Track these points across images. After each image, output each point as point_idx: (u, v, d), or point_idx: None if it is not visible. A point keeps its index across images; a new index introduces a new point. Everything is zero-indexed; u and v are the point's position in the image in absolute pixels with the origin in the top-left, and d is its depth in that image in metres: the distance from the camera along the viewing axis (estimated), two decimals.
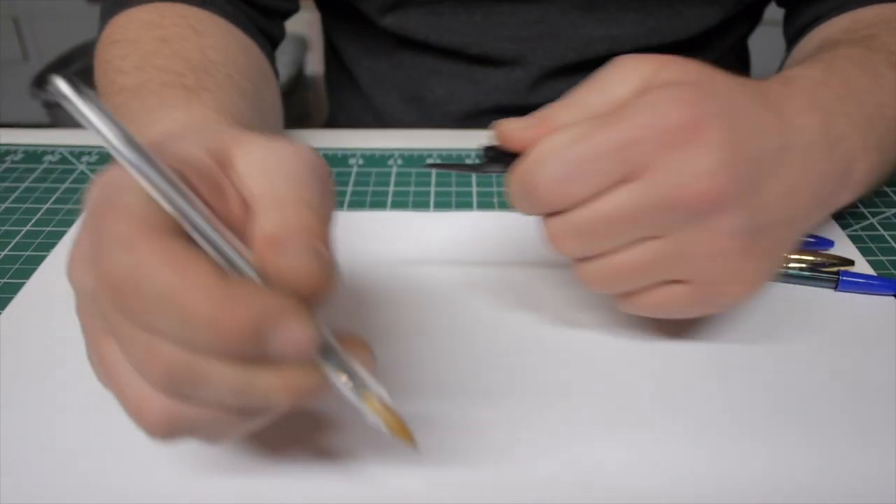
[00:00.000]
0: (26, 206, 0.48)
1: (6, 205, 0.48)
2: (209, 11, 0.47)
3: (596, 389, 0.34)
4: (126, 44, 0.43)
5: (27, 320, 0.38)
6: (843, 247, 0.43)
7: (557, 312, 0.39)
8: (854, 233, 0.45)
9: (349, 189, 0.50)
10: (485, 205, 0.48)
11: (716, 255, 0.29)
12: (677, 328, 0.37)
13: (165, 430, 0.23)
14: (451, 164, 0.35)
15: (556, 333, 0.37)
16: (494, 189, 0.49)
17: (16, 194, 0.49)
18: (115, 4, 0.47)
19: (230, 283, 0.20)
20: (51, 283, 0.41)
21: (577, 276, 0.32)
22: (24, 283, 0.40)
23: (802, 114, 0.32)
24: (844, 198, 0.36)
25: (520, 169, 0.30)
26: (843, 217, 0.46)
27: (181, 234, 0.21)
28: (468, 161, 0.32)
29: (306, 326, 0.20)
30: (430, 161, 0.37)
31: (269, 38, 0.53)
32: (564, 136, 0.29)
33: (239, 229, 0.22)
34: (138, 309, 0.20)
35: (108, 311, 0.22)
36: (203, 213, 0.21)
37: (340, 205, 0.48)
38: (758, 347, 0.36)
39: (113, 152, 0.21)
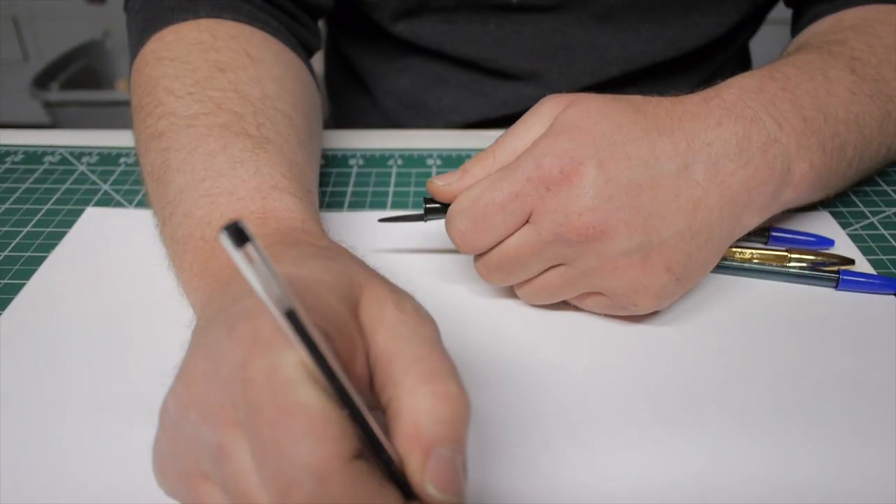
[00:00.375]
0: (26, 206, 0.48)
1: (6, 206, 0.48)
2: (259, 29, 0.44)
3: (597, 392, 0.34)
4: (177, 63, 0.40)
5: (27, 321, 0.38)
6: (844, 246, 0.43)
7: (561, 315, 0.39)
8: (854, 232, 0.45)
9: (349, 189, 0.50)
10: None
11: (615, 274, 0.34)
12: (676, 327, 0.37)
13: None
14: (401, 215, 0.40)
15: (558, 336, 0.37)
16: None
17: (16, 195, 0.49)
18: (156, 18, 0.44)
19: None
20: (51, 284, 0.41)
21: (519, 295, 0.38)
22: (24, 284, 0.41)
23: (714, 128, 0.35)
24: (789, 196, 0.38)
25: (445, 222, 0.36)
26: (844, 216, 0.46)
27: (360, 452, 0.21)
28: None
29: None
30: (383, 216, 0.40)
31: (308, 51, 0.51)
32: (470, 194, 0.35)
33: (361, 383, 0.23)
34: None
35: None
36: (369, 419, 0.21)
37: (340, 205, 0.48)
38: (758, 346, 0.36)
39: (281, 324, 0.20)
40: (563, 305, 0.38)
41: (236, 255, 0.19)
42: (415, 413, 0.22)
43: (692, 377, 0.35)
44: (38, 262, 0.42)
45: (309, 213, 0.33)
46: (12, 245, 0.44)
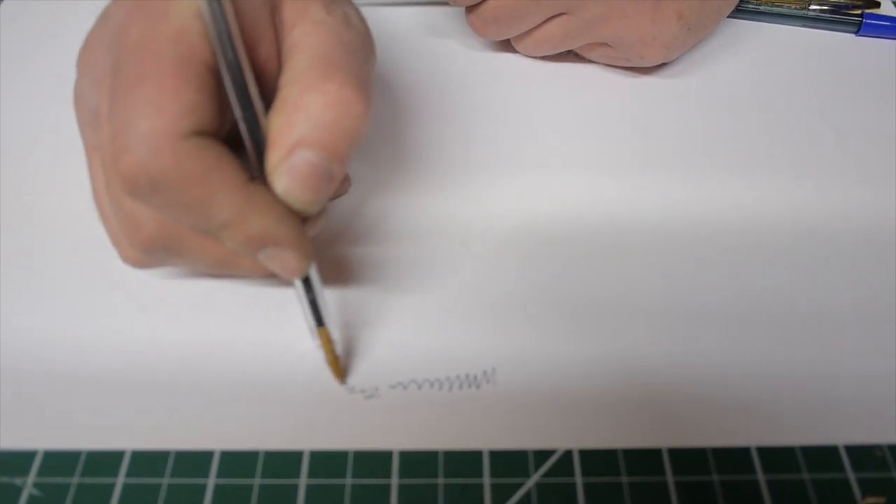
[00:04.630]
0: None
1: None
2: None
3: (589, 137, 0.32)
4: None
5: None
6: None
7: (560, 68, 0.36)
8: None
9: None
10: None
11: (623, 24, 0.32)
12: (684, 79, 0.35)
13: (138, 266, 0.25)
14: None
15: (556, 87, 0.35)
16: None
17: None
18: None
19: (253, 193, 0.20)
20: None
21: (517, 48, 0.35)
22: None
23: None
24: None
25: None
26: None
27: (204, 130, 0.20)
28: None
29: (303, 260, 0.21)
30: None
31: None
32: None
33: (266, 76, 0.22)
34: (149, 198, 0.20)
35: (108, 172, 0.21)
36: (250, 81, 0.20)
37: None
38: (769, 96, 0.34)
39: None
40: (564, 57, 0.36)
41: None
42: (294, 110, 0.20)
43: (695, 127, 0.33)
44: None
45: None
46: None
